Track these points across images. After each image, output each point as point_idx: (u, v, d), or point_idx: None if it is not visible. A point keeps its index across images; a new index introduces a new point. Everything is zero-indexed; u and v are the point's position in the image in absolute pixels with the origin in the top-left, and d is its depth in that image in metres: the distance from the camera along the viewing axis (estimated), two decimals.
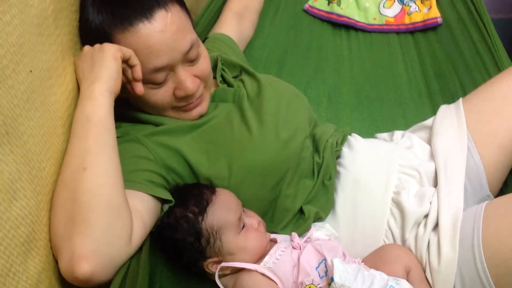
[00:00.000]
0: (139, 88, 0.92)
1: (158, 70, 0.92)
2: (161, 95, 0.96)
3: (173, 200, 0.93)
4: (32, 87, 0.77)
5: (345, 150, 1.11)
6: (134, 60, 0.89)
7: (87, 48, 0.91)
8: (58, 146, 0.84)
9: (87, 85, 0.86)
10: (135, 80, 0.91)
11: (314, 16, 1.77)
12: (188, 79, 0.96)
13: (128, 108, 1.02)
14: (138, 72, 0.90)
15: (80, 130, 0.83)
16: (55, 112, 0.84)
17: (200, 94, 1.00)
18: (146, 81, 0.94)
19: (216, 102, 1.07)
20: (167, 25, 0.91)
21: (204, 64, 1.01)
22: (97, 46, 0.89)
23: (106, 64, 0.86)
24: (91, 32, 0.93)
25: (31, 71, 0.77)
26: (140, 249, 0.86)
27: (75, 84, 0.92)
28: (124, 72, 0.91)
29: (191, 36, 0.96)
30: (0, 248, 0.67)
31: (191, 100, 0.99)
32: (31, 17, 0.79)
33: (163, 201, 0.93)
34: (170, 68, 0.94)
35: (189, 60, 0.96)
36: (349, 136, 1.15)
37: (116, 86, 0.87)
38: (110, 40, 0.91)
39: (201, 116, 1.04)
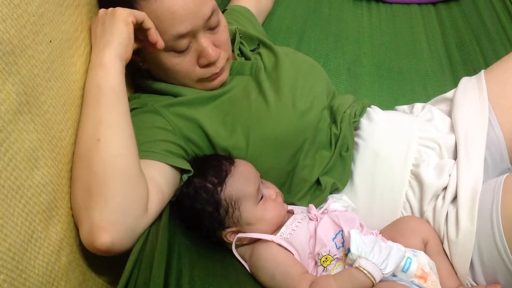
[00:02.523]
0: (160, 42, 0.90)
1: (181, 36, 0.93)
2: (186, 64, 0.97)
3: (192, 170, 0.94)
4: (52, 57, 0.78)
5: (364, 121, 1.10)
6: (148, 23, 0.89)
7: (101, 12, 0.90)
8: (78, 116, 0.85)
9: (98, 51, 0.86)
10: (152, 43, 0.90)
11: None
12: (210, 45, 0.97)
13: (146, 79, 1.02)
14: (153, 34, 0.89)
15: (92, 99, 0.83)
16: (74, 83, 0.85)
17: (222, 65, 1.01)
18: (169, 49, 0.94)
19: (234, 75, 1.07)
20: None
21: (223, 33, 1.01)
22: (109, 10, 0.88)
23: (116, 30, 0.85)
24: (113, 1, 0.93)
25: (50, 41, 0.78)
26: (159, 217, 0.87)
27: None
28: (140, 36, 0.90)
29: (211, 2, 0.97)
30: (22, 214, 0.68)
31: (214, 70, 1.00)
32: None
33: (182, 171, 0.94)
34: (192, 35, 0.95)
35: (210, 27, 0.97)
36: (368, 108, 1.14)
37: (127, 53, 0.87)
38: (134, 7, 0.91)
39: (223, 84, 1.04)
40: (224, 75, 1.04)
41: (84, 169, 0.79)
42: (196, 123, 0.97)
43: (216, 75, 1.01)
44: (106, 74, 0.83)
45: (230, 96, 1.02)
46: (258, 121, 0.97)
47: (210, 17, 0.95)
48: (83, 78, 0.87)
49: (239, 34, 1.16)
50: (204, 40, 0.96)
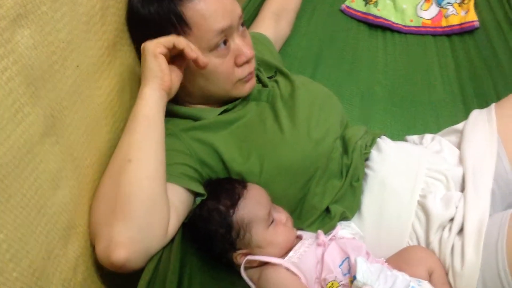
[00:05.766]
0: (202, 60, 0.95)
1: (222, 31, 0.99)
2: (226, 64, 1.02)
3: (205, 193, 0.97)
4: (79, 81, 0.82)
5: (374, 152, 1.13)
6: (180, 45, 0.93)
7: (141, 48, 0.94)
8: (100, 138, 0.89)
9: (141, 87, 0.91)
10: (192, 58, 0.94)
11: (351, 17, 1.78)
12: (245, 45, 1.04)
13: (168, 103, 1.06)
14: (189, 52, 0.93)
15: (129, 127, 0.89)
16: (98, 105, 0.89)
17: (254, 65, 1.09)
18: (213, 47, 0.99)
19: (251, 101, 1.11)
20: None
21: (250, 41, 1.08)
22: (142, 47, 0.93)
23: (148, 65, 0.90)
24: (148, 21, 0.99)
25: (78, 66, 0.82)
26: (172, 239, 0.90)
27: (119, 79, 0.97)
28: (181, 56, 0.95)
29: (240, 7, 1.05)
30: (43, 232, 0.72)
31: (250, 69, 1.07)
32: (80, 14, 0.83)
33: (196, 194, 0.97)
34: (230, 33, 1.01)
35: (241, 29, 1.05)
36: (378, 139, 1.16)
37: (164, 83, 0.91)
38: (177, 13, 0.96)
39: (252, 90, 1.10)
40: (254, 80, 1.10)
41: (111, 187, 0.84)
42: (212, 148, 1.00)
43: (251, 75, 1.08)
44: (143, 104, 0.89)
45: (246, 121, 1.06)
46: (273, 149, 1.01)
47: (240, 17, 1.04)
48: (107, 101, 0.92)
49: (257, 61, 1.20)
50: (240, 40, 1.04)
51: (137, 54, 1.04)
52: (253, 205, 0.95)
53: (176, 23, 0.97)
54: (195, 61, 0.94)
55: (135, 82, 1.04)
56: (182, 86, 0.99)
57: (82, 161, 0.83)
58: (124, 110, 0.99)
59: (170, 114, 1.06)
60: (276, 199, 1.00)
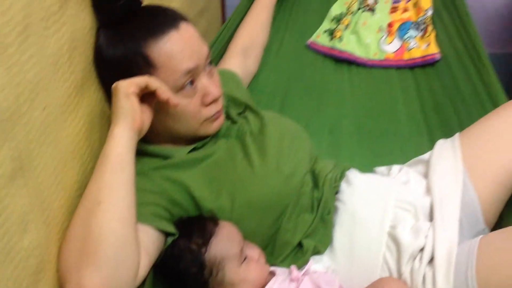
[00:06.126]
0: (172, 101, 0.95)
1: (189, 72, 0.99)
2: (194, 104, 1.02)
3: (176, 233, 0.96)
4: (46, 122, 0.81)
5: (343, 185, 1.14)
6: (153, 85, 0.93)
7: (112, 88, 0.94)
8: (69, 180, 0.88)
9: (112, 127, 0.91)
10: (164, 100, 0.94)
11: (317, 52, 1.81)
12: (212, 84, 1.04)
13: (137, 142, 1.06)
14: (161, 94, 0.93)
15: (99, 167, 0.87)
16: (67, 146, 0.88)
17: (222, 104, 1.08)
18: (180, 88, 0.99)
19: (220, 137, 1.11)
20: (192, 33, 1.02)
21: (218, 80, 1.08)
22: (113, 85, 0.92)
23: (120, 104, 0.90)
24: (116, 62, 0.99)
25: (45, 107, 0.81)
26: (143, 280, 0.89)
27: (86, 119, 0.96)
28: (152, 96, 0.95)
29: (207, 47, 1.06)
30: (11, 278, 0.70)
31: (218, 107, 1.06)
32: (47, 55, 0.83)
33: (167, 233, 0.97)
34: (197, 73, 1.01)
35: (208, 68, 1.05)
36: (347, 172, 1.18)
37: (136, 122, 0.91)
38: (143, 54, 0.97)
39: (220, 128, 1.11)
40: (222, 118, 1.10)
41: (81, 230, 0.82)
42: (183, 186, 1.00)
43: (218, 114, 1.07)
44: (113, 144, 0.88)
45: (216, 159, 1.06)
46: (243, 185, 1.01)
47: (207, 57, 1.04)
48: (75, 142, 0.91)
49: (226, 97, 1.21)
50: (206, 80, 1.04)
51: (104, 94, 1.04)
52: (225, 243, 0.95)
53: (142, 64, 0.97)
54: (166, 102, 0.94)
55: (103, 122, 1.03)
56: (150, 125, 0.99)
57: (51, 203, 0.81)
58: (93, 150, 0.99)
59: (139, 153, 1.05)
60: (248, 236, 1.00)
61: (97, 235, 0.81)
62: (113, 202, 0.84)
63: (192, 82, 1.01)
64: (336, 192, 1.13)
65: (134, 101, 0.91)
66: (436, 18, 1.76)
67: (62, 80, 0.88)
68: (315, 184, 1.13)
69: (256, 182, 1.02)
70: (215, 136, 1.11)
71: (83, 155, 0.95)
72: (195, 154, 1.06)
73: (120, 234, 0.82)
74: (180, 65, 0.98)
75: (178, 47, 0.98)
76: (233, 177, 1.03)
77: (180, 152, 1.05)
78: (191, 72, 1.00)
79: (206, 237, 0.94)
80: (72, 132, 0.91)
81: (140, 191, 0.93)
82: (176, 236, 0.96)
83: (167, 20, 1.01)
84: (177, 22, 1.00)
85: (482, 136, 1.19)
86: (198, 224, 0.97)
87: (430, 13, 1.75)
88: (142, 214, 0.92)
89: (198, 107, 1.03)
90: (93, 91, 1.01)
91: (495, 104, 1.41)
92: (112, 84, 0.93)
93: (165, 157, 1.04)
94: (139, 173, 0.98)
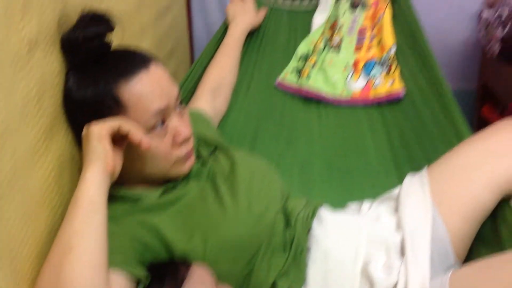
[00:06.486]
0: (145, 143, 0.94)
1: (160, 112, 1.00)
2: (164, 145, 1.02)
3: (148, 278, 0.95)
4: (15, 168, 0.80)
5: (315, 223, 1.14)
6: (125, 128, 0.93)
7: (83, 130, 0.94)
8: (38, 226, 0.86)
9: (83, 171, 0.90)
10: (136, 142, 0.94)
11: (285, 91, 1.83)
12: (183, 124, 1.05)
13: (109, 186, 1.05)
14: (133, 136, 0.93)
15: (71, 212, 0.86)
16: (36, 192, 0.86)
17: (192, 144, 1.09)
18: (150, 128, 0.99)
19: (191, 179, 1.11)
20: (161, 73, 1.03)
21: (188, 119, 1.09)
22: (85, 129, 0.93)
23: (92, 148, 0.90)
24: (86, 104, 0.99)
25: (13, 154, 0.80)
26: None
27: (56, 163, 0.95)
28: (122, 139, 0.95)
29: (177, 87, 1.07)
30: None
31: (189, 147, 1.07)
32: (16, 100, 0.82)
33: (139, 279, 0.95)
34: (168, 113, 1.02)
35: (178, 108, 1.05)
36: (319, 209, 1.19)
37: (108, 165, 0.90)
38: (114, 95, 0.97)
39: (191, 169, 1.10)
40: (193, 159, 1.10)
41: (52, 277, 0.80)
42: (155, 230, 0.99)
43: (189, 154, 1.08)
44: (85, 188, 0.87)
45: (187, 200, 1.06)
46: (215, 226, 1.01)
47: (177, 98, 1.05)
48: (44, 187, 0.90)
49: (196, 138, 1.21)
50: (177, 120, 1.04)
51: (74, 137, 1.03)
52: (197, 286, 0.93)
53: (112, 105, 0.97)
54: (139, 144, 0.94)
55: (73, 166, 1.02)
56: (122, 168, 0.98)
57: (20, 251, 0.79)
58: (63, 195, 0.97)
59: (109, 197, 1.04)
60: (222, 277, 0.99)
61: (69, 283, 0.79)
62: (85, 248, 0.83)
63: (163, 122, 1.02)
64: (308, 231, 1.14)
65: (107, 144, 0.91)
66: (399, 55, 1.80)
67: (31, 125, 0.88)
68: (287, 222, 1.13)
69: (228, 222, 1.02)
70: (186, 177, 1.11)
71: (53, 200, 0.93)
72: (166, 197, 1.06)
73: (92, 281, 0.81)
74: (151, 105, 0.98)
75: (148, 88, 0.99)
76: (205, 219, 1.02)
77: (151, 195, 1.05)
78: (162, 112, 1.00)
79: (178, 282, 0.92)
80: (42, 177, 0.89)
81: (111, 236, 0.91)
82: (148, 281, 0.94)
83: (137, 61, 1.02)
84: (147, 63, 1.01)
85: (448, 171, 1.21)
86: (170, 268, 0.95)
87: (393, 50, 1.79)
88: (114, 259, 0.90)
89: (169, 147, 1.04)
90: (63, 135, 1.00)
91: (460, 139, 1.43)
92: (83, 126, 0.93)
93: (135, 200, 1.03)
94: (110, 218, 0.96)
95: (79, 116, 1.00)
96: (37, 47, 0.90)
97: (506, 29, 2.08)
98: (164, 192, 1.06)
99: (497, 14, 2.14)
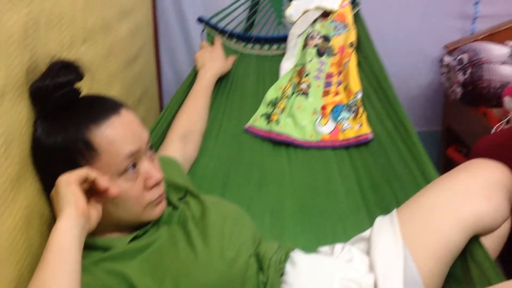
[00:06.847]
0: (113, 190, 0.95)
1: (131, 155, 1.00)
2: (136, 188, 1.02)
3: None
4: None
5: (288, 267, 1.14)
6: (91, 175, 0.94)
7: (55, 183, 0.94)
8: (4, 278, 0.84)
9: (56, 220, 0.89)
10: (103, 189, 0.94)
11: (255, 135, 1.85)
12: (154, 168, 1.06)
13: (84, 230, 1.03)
14: (100, 184, 0.94)
15: (41, 262, 0.84)
16: (2, 243, 0.84)
17: (164, 188, 1.09)
18: (123, 171, 1.00)
19: (162, 225, 1.10)
20: (132, 118, 1.05)
21: (158, 164, 1.10)
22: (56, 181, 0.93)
23: (61, 196, 0.90)
24: (56, 151, 0.98)
25: None
26: None
27: (23, 213, 0.93)
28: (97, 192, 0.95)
29: (146, 131, 1.08)
30: None
31: (160, 191, 1.07)
32: None
33: None
34: (139, 157, 1.02)
35: (148, 151, 1.07)
36: (291, 253, 1.18)
37: (78, 208, 0.89)
38: (85, 140, 0.97)
39: (162, 213, 1.10)
40: (164, 203, 1.10)
41: None
42: (125, 279, 0.97)
43: (161, 198, 1.08)
44: (57, 234, 0.86)
45: (158, 246, 1.04)
46: (187, 272, 0.99)
47: (148, 142, 1.06)
48: (11, 239, 0.88)
49: (166, 183, 1.21)
50: (148, 164, 1.05)
51: (42, 187, 1.02)
52: None
53: (83, 150, 0.97)
54: (106, 191, 0.94)
55: (41, 216, 1.00)
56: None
57: None
58: (31, 246, 0.95)
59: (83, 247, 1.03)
60: None
61: None
62: None
63: (134, 166, 1.02)
64: (281, 275, 1.13)
65: (75, 188, 0.91)
66: (365, 99, 1.84)
67: None
68: (260, 267, 1.12)
69: (200, 268, 1.01)
70: (156, 223, 1.10)
71: (19, 251, 0.91)
72: (136, 243, 1.04)
73: None
74: (122, 148, 0.99)
75: (120, 132, 1.00)
76: (176, 264, 1.01)
77: (121, 242, 1.03)
78: (133, 156, 1.01)
79: None
80: (8, 228, 0.87)
81: (85, 287, 0.89)
82: None
83: (107, 106, 1.03)
84: (117, 108, 1.03)
85: (417, 213, 1.23)
86: None
87: (360, 95, 1.83)
88: None
89: (141, 191, 1.04)
90: (30, 184, 0.99)
91: (427, 180, 1.46)
92: (52, 175, 0.93)
93: (105, 248, 1.02)
94: (83, 269, 0.94)
95: (49, 164, 0.99)
96: (5, 96, 0.90)
97: (467, 74, 2.14)
98: (134, 239, 1.05)
99: (457, 59, 2.21)
